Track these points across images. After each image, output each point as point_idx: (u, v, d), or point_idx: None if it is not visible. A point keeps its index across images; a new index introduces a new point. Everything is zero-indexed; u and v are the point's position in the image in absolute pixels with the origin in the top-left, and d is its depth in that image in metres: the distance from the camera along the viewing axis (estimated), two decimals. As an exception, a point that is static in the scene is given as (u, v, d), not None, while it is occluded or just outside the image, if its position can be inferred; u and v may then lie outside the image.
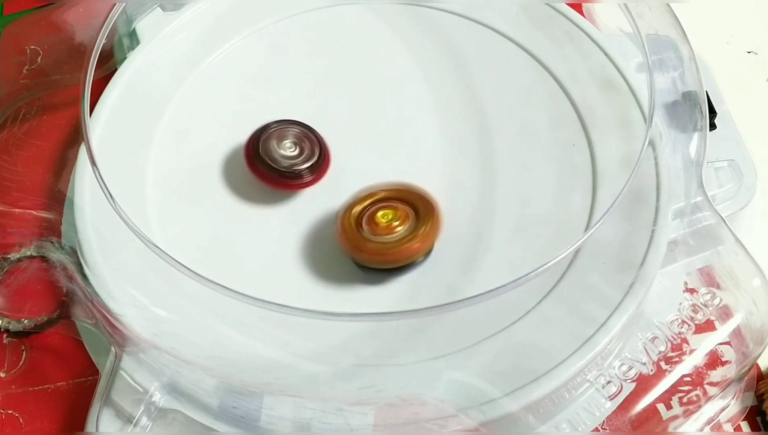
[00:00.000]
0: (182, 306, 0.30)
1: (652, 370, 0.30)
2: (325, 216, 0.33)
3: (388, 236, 0.31)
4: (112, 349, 0.31)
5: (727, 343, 0.31)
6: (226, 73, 0.38)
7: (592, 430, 0.30)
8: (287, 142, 0.33)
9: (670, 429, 0.30)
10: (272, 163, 0.33)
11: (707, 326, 0.31)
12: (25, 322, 0.34)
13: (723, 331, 0.31)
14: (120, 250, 0.32)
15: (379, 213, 0.31)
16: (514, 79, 0.37)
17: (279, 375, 0.29)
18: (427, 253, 0.32)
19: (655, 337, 0.31)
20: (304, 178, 0.33)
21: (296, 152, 0.33)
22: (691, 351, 0.31)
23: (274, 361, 0.30)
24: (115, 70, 0.38)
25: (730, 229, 0.32)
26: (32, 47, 0.41)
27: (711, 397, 0.31)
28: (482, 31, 0.38)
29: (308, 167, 0.33)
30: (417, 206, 0.31)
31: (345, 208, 0.32)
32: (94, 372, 0.33)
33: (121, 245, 0.31)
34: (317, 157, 0.34)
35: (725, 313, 0.31)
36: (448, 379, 0.29)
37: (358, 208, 0.32)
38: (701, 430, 0.31)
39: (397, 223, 0.31)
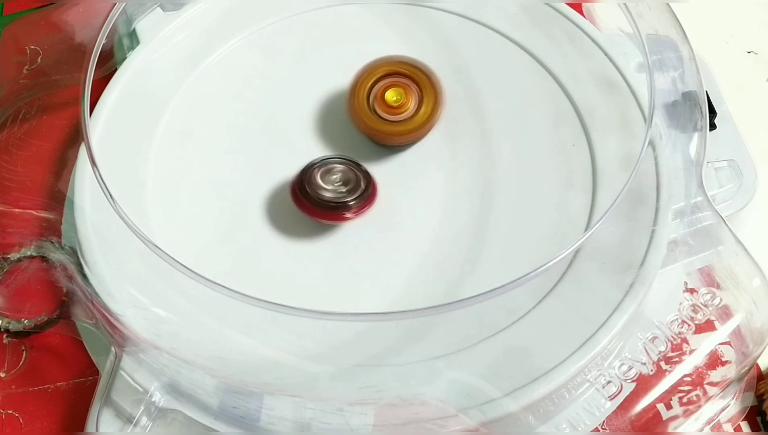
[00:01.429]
0: (182, 306, 0.30)
1: (652, 370, 0.30)
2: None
3: (401, 115, 0.34)
4: (112, 349, 0.31)
5: (727, 343, 0.31)
6: (226, 73, 0.38)
7: (592, 430, 0.30)
8: (334, 177, 0.33)
9: (670, 429, 0.30)
10: (319, 197, 0.32)
11: (707, 326, 0.31)
12: (25, 322, 0.34)
13: (723, 331, 0.31)
14: (120, 250, 0.32)
15: (387, 93, 0.34)
16: (514, 79, 0.37)
17: (279, 375, 0.29)
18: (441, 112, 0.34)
19: (655, 337, 0.31)
20: (351, 210, 0.32)
21: (342, 186, 0.33)
22: (691, 351, 0.31)
23: (274, 361, 0.30)
24: (115, 70, 0.38)
25: (730, 229, 0.32)
26: (32, 47, 0.41)
27: (711, 397, 0.31)
28: (482, 31, 0.38)
29: (356, 198, 0.32)
30: (418, 79, 0.34)
31: (352, 91, 0.34)
32: (94, 372, 0.33)
33: (121, 245, 0.31)
34: (363, 188, 0.33)
35: (725, 313, 0.31)
36: (448, 379, 0.29)
37: (363, 91, 0.34)
38: (701, 430, 0.31)
39: (404, 100, 0.34)
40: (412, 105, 0.34)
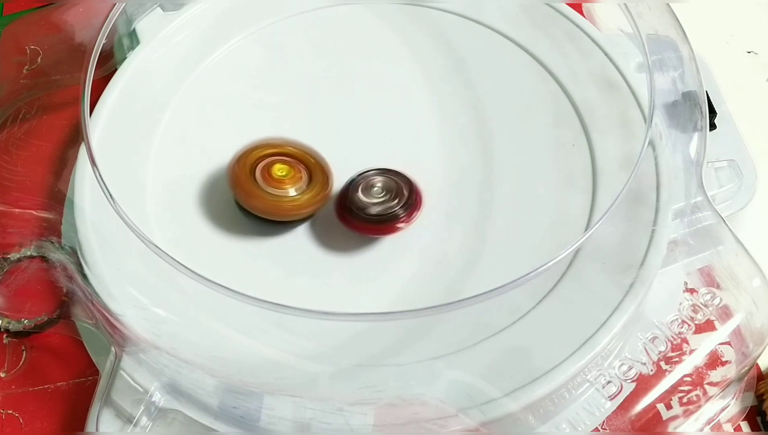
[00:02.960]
0: (182, 306, 0.30)
1: (652, 370, 0.30)
2: (326, 215, 0.33)
3: (277, 191, 0.32)
4: (112, 349, 0.31)
5: (727, 343, 0.31)
6: (226, 74, 0.38)
7: (592, 430, 0.30)
8: (375, 189, 0.32)
9: (670, 429, 0.30)
10: (363, 211, 0.32)
11: (707, 326, 0.31)
12: (25, 322, 0.34)
13: (723, 331, 0.31)
14: (120, 250, 0.32)
15: (276, 166, 0.32)
16: (514, 79, 0.37)
17: (279, 375, 0.29)
18: (309, 217, 0.33)
19: (655, 337, 0.31)
20: (399, 220, 0.32)
21: (386, 196, 0.32)
22: (691, 351, 0.31)
23: (274, 361, 0.30)
24: (115, 70, 0.38)
25: (730, 229, 0.32)
26: (32, 47, 0.41)
27: (711, 397, 0.31)
28: (482, 31, 0.38)
29: (402, 207, 0.32)
30: (312, 171, 0.33)
31: (243, 152, 0.33)
32: (94, 372, 0.33)
33: (121, 245, 0.31)
34: (407, 196, 0.32)
35: (725, 313, 0.31)
36: (448, 379, 0.29)
37: (255, 154, 0.33)
38: (701, 430, 0.31)
39: (289, 180, 0.32)
40: (294, 187, 0.32)
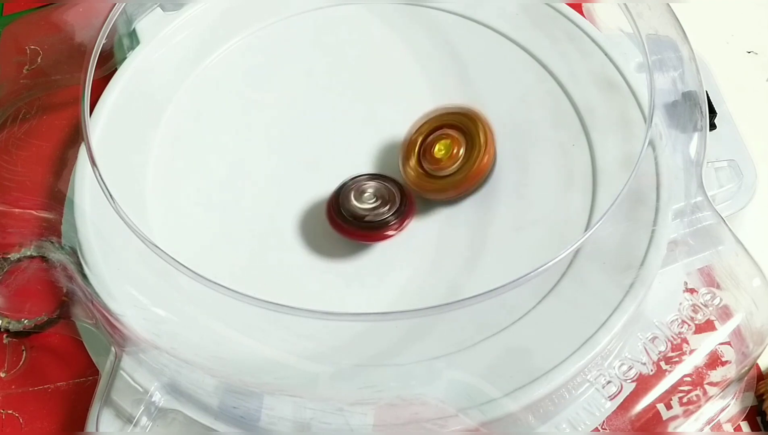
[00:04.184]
0: (182, 306, 0.30)
1: (652, 370, 0.30)
2: (322, 218, 0.33)
3: (452, 167, 0.32)
4: (112, 349, 0.31)
5: (727, 343, 0.31)
6: (226, 73, 0.38)
7: (592, 430, 0.30)
8: (367, 195, 0.32)
9: (670, 429, 0.30)
10: (354, 218, 0.32)
11: (707, 326, 0.31)
12: (25, 322, 0.34)
13: (723, 331, 0.31)
14: (120, 250, 0.32)
15: (435, 148, 0.32)
16: (514, 79, 0.37)
17: (279, 375, 0.29)
18: (493, 166, 0.33)
19: (655, 337, 0.31)
20: (390, 227, 0.32)
21: (378, 203, 0.32)
22: (691, 351, 0.31)
23: (274, 361, 0.30)
24: (115, 70, 0.38)
25: (730, 229, 0.32)
26: (32, 47, 0.41)
27: (711, 397, 0.31)
28: (482, 31, 0.38)
29: (393, 214, 0.32)
30: (465, 126, 0.33)
31: (404, 152, 0.33)
32: (94, 372, 0.33)
33: (121, 245, 0.31)
34: (399, 203, 0.32)
35: (725, 313, 0.31)
36: (448, 379, 0.29)
37: (414, 149, 0.33)
38: (701, 430, 0.31)
39: (454, 151, 0.32)
40: (458, 160, 0.32)
